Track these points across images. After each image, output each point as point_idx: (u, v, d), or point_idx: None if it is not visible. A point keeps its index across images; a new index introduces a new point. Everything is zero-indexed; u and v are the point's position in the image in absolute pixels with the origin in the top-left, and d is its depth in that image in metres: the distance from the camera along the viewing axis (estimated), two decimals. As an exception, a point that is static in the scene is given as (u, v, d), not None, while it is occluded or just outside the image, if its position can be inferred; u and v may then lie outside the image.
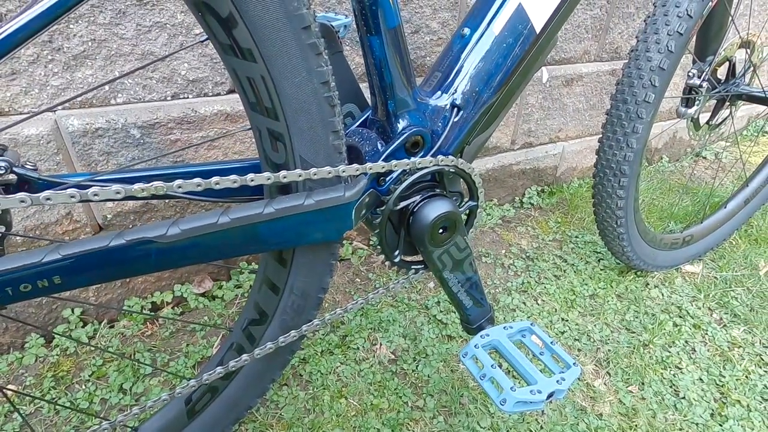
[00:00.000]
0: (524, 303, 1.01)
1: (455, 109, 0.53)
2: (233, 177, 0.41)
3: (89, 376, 0.78)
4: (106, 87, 0.80)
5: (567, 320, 0.97)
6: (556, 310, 1.00)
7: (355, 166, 0.47)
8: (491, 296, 1.03)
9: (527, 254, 1.17)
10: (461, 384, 0.81)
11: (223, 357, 0.58)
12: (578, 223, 1.30)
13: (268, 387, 0.62)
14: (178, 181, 0.39)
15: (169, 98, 0.86)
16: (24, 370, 0.80)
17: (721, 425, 0.78)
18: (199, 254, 0.42)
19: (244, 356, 0.53)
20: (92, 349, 0.83)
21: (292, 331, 0.55)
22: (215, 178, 0.41)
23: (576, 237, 1.24)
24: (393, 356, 0.86)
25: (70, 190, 0.36)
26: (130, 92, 0.82)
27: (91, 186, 0.37)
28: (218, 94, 0.89)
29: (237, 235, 0.43)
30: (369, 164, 0.48)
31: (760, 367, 0.89)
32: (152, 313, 0.93)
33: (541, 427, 0.75)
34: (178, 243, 0.40)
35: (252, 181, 0.42)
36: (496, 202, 1.37)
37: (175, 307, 0.97)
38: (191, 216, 0.41)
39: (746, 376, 0.87)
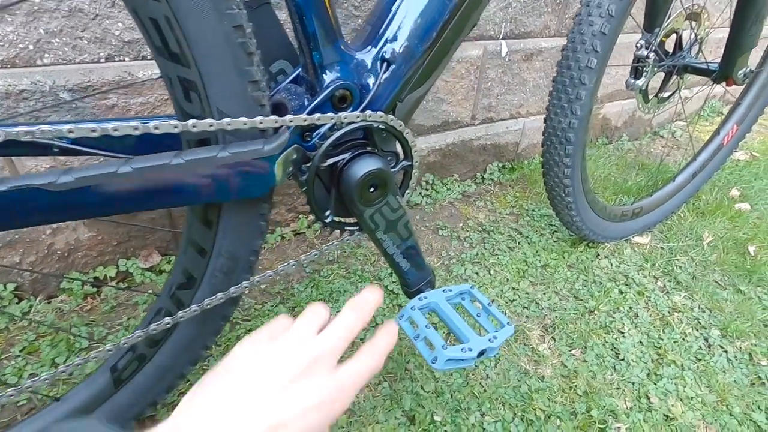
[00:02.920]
0: (477, 273, 1.02)
1: (385, 64, 0.52)
2: (134, 123, 0.39)
3: (20, 351, 0.75)
4: (30, 46, 0.75)
5: (518, 289, 0.99)
6: (507, 279, 1.01)
7: (275, 117, 0.46)
8: (445, 267, 1.03)
9: (484, 227, 1.17)
10: (409, 351, 0.82)
11: (149, 323, 0.56)
12: (536, 198, 1.32)
13: (200, 354, 0.61)
14: (69, 126, 0.37)
15: (102, 60, 0.81)
16: (-50, 347, 0.76)
17: (655, 383, 0.81)
18: (100, 206, 0.40)
19: (166, 319, 0.51)
20: (25, 324, 0.79)
21: (219, 294, 0.53)
22: (114, 124, 0.38)
23: (533, 210, 1.25)
24: (342, 326, 0.86)
25: (-60, 131, 0.33)
26: (58, 52, 0.77)
27: (-32, 128, 0.34)
28: (157, 58, 0.85)
29: (143, 187, 0.41)
30: (289, 117, 0.46)
31: (697, 330, 0.93)
32: (93, 287, 0.90)
33: (485, 390, 0.77)
34: (73, 192, 0.38)
35: (156, 129, 0.40)
36: (458, 178, 1.37)
37: (120, 282, 0.94)
38: (90, 165, 0.39)
39: (683, 338, 0.91)
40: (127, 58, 0.83)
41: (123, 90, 0.83)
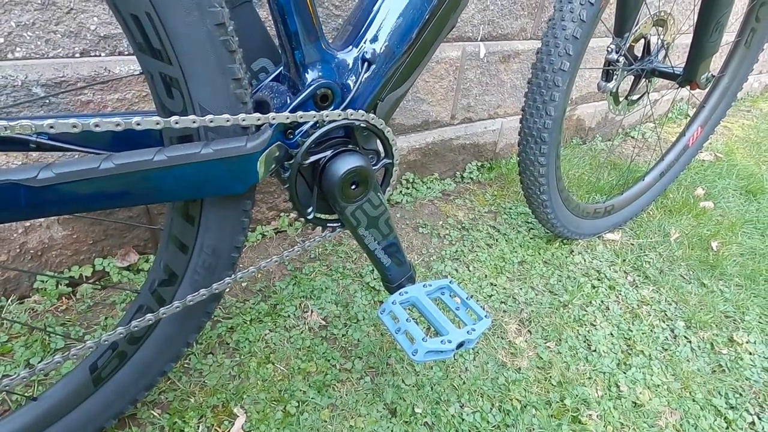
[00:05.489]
0: (456, 270, 1.04)
1: (366, 63, 0.53)
2: (116, 119, 0.39)
3: (-9, 352, 0.73)
4: (1, 39, 0.73)
5: (495, 285, 1.02)
6: (486, 275, 1.04)
7: (257, 115, 0.46)
8: (425, 264, 1.05)
9: (463, 225, 1.20)
10: (390, 346, 0.83)
11: (130, 320, 0.56)
12: (513, 196, 1.35)
13: (182, 351, 0.61)
14: (49, 121, 0.37)
15: (77, 55, 0.79)
16: None
17: (624, 372, 0.85)
18: (80, 202, 0.40)
19: (148, 316, 0.51)
20: (-3, 325, 0.77)
21: (202, 290, 0.53)
22: (95, 120, 0.38)
23: (510, 209, 1.29)
24: (324, 322, 0.87)
25: None
26: (30, 46, 0.75)
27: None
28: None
29: (125, 183, 0.41)
30: (272, 114, 0.47)
31: (664, 322, 0.98)
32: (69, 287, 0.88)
33: (464, 382, 0.79)
34: (54, 188, 0.38)
35: (138, 125, 0.40)
36: (438, 177, 1.40)
37: (97, 282, 0.92)
38: (71, 159, 0.39)
39: (651, 330, 0.96)
40: (103, 54, 0.81)
41: (99, 86, 0.81)
